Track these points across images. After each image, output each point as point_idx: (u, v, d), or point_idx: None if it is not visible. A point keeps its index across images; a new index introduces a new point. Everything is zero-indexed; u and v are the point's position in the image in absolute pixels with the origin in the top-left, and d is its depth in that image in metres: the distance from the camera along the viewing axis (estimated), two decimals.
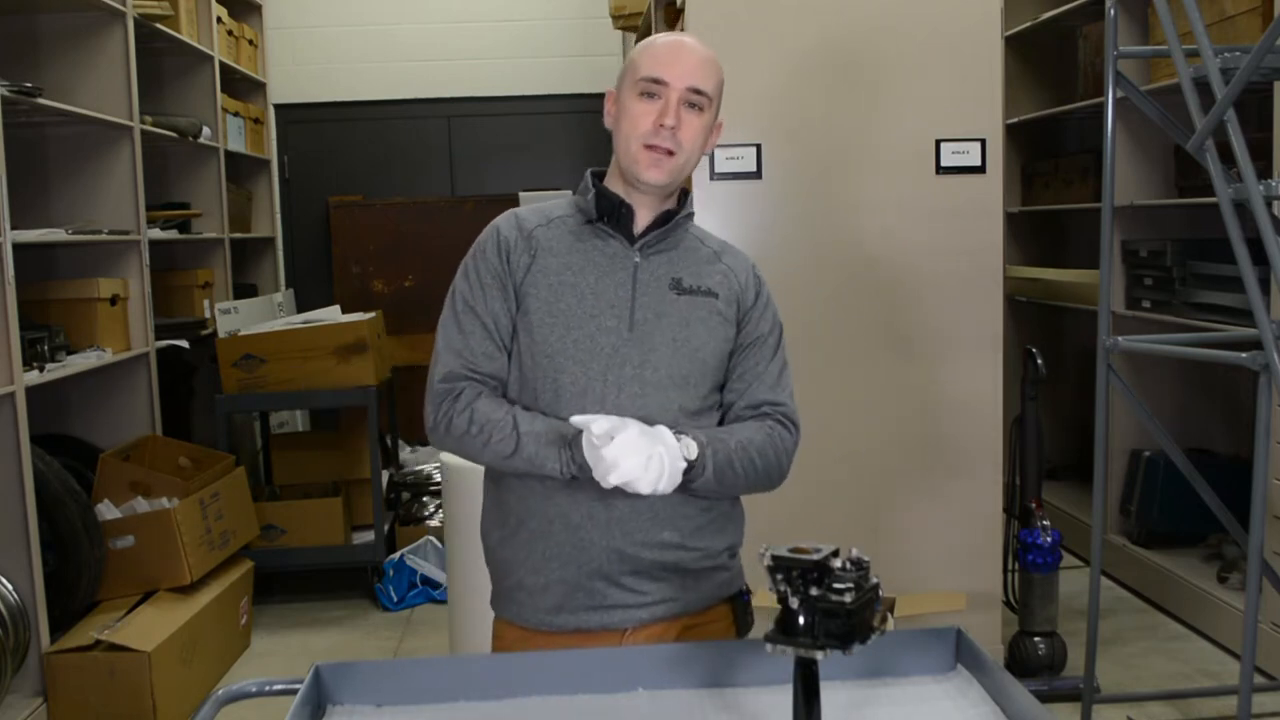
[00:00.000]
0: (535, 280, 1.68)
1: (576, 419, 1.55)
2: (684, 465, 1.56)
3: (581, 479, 1.60)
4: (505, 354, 1.70)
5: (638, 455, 1.50)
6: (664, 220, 1.73)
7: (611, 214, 1.71)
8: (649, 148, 1.66)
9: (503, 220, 1.75)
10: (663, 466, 1.52)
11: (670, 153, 1.66)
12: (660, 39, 1.72)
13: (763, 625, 1.19)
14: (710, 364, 1.71)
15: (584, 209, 1.73)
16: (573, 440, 1.59)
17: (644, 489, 1.52)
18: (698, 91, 1.67)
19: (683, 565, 1.70)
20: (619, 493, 1.59)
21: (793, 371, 1.86)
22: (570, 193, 1.80)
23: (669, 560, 1.68)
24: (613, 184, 1.74)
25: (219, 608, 3.77)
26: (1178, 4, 2.59)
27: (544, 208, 1.78)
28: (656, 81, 1.66)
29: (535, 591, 1.69)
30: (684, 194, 1.78)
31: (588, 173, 1.77)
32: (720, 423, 1.75)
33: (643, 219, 1.73)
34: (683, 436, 1.59)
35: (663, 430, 1.57)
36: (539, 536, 1.68)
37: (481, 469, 1.77)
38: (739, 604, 1.80)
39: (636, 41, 5.60)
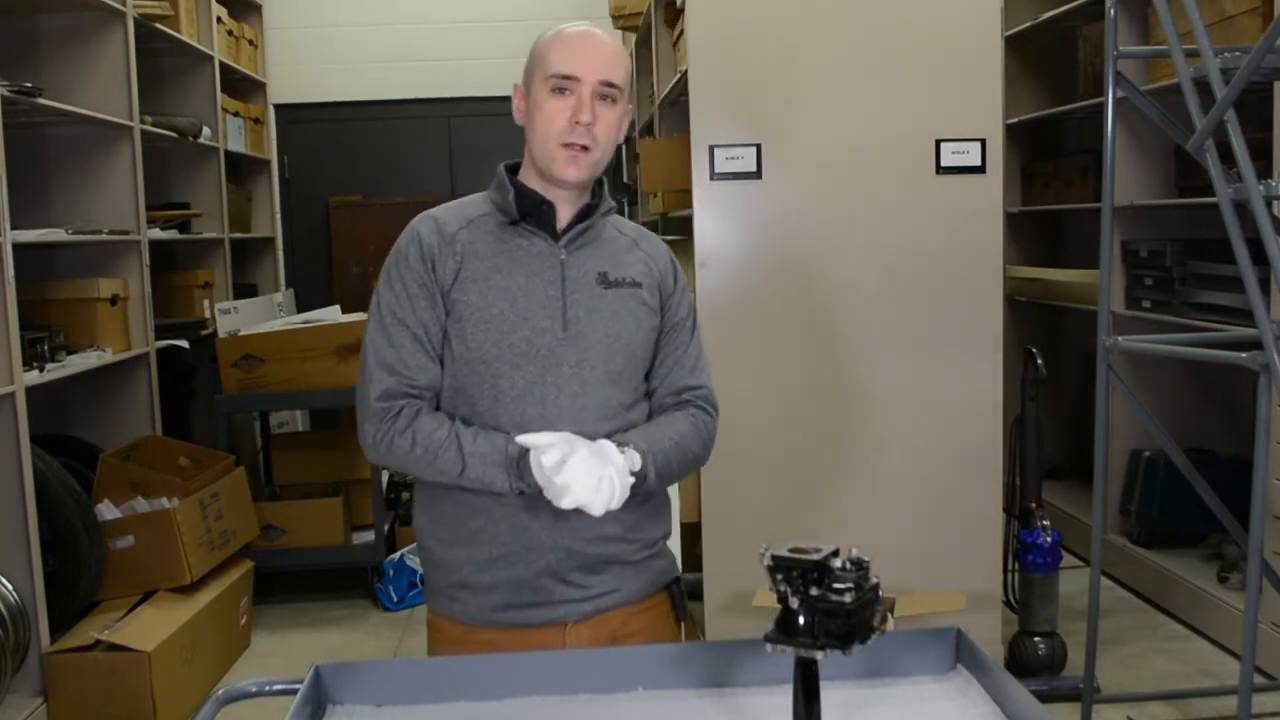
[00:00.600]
0: (464, 286, 1.66)
1: (523, 439, 1.55)
2: (631, 480, 1.57)
3: (530, 494, 1.60)
4: (438, 363, 1.68)
5: (589, 478, 1.52)
6: (585, 214, 1.72)
7: (533, 212, 1.70)
8: (566, 145, 1.64)
9: (421, 225, 1.71)
10: (613, 488, 1.54)
11: (586, 148, 1.65)
12: (567, 31, 1.70)
13: (763, 625, 1.19)
14: (640, 355, 1.73)
15: (504, 209, 1.71)
16: (519, 459, 1.58)
17: (597, 511, 1.54)
18: (610, 84, 1.65)
19: (624, 557, 1.72)
20: None
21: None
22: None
23: (611, 553, 1.70)
24: (529, 179, 1.72)
25: (219, 608, 3.77)
26: (1178, 4, 2.59)
27: (461, 207, 1.75)
28: (568, 77, 1.64)
29: (480, 590, 1.69)
30: (599, 184, 1.76)
31: (501, 168, 1.75)
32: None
33: (564, 215, 1.71)
34: (626, 449, 1.59)
35: (607, 447, 1.57)
36: (484, 538, 1.67)
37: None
38: (675, 590, 1.82)
39: (635, 43, 5.60)
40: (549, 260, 1.69)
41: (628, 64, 1.71)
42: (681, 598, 1.83)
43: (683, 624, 1.84)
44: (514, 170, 1.76)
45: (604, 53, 1.67)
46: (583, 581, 1.69)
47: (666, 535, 1.81)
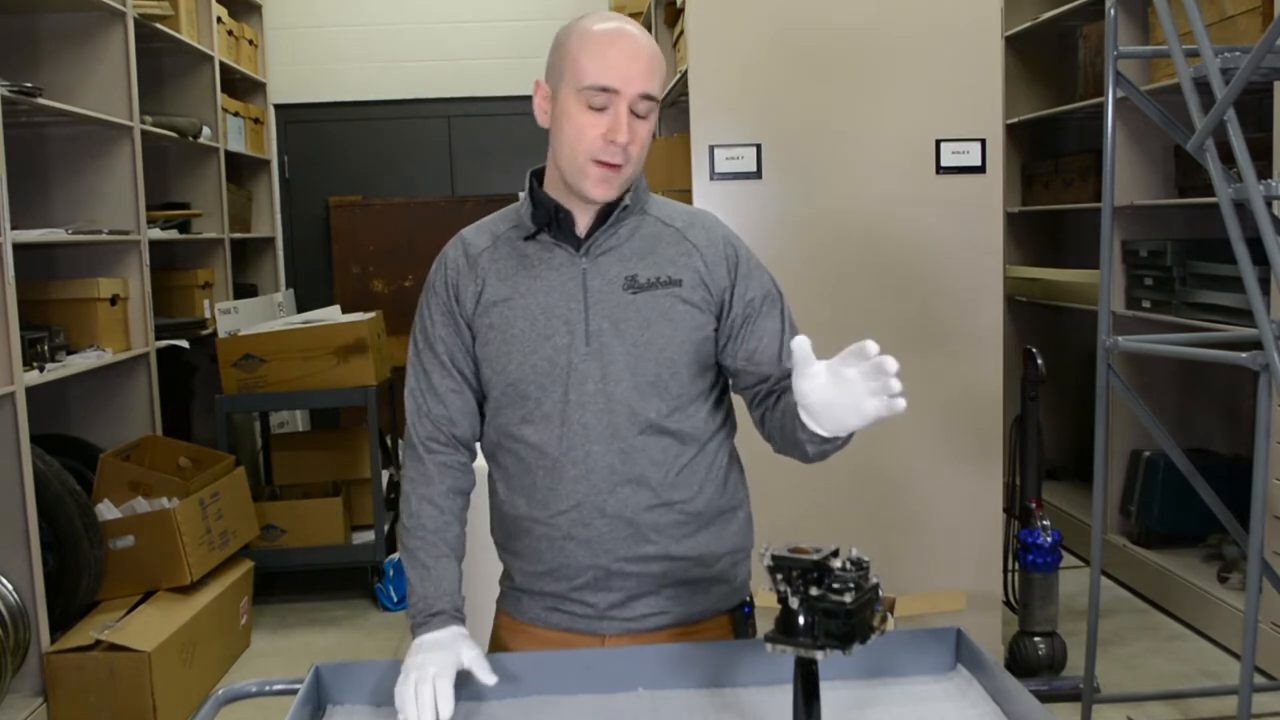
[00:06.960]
0: (487, 310, 1.63)
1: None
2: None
3: (570, 516, 1.60)
4: (468, 386, 1.66)
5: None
6: (607, 215, 1.61)
7: (550, 222, 1.61)
8: (598, 163, 1.54)
9: (451, 249, 1.69)
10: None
11: (619, 166, 1.55)
12: (604, 34, 1.54)
13: (763, 625, 1.19)
14: (681, 360, 1.61)
15: (523, 222, 1.64)
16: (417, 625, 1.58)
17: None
18: (648, 96, 1.53)
19: (672, 576, 1.63)
20: (596, 512, 1.59)
21: None
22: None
23: (655, 572, 1.62)
24: (552, 186, 1.63)
25: (219, 608, 3.77)
26: (1178, 4, 2.59)
27: (494, 222, 1.70)
28: (605, 90, 1.51)
29: (531, 594, 1.70)
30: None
31: (529, 174, 1.67)
32: (757, 401, 1.67)
33: (585, 219, 1.62)
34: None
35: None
36: (528, 553, 1.67)
37: (484, 471, 1.76)
38: (739, 616, 1.71)
39: None
40: (570, 271, 1.60)
41: (664, 65, 1.58)
42: (748, 626, 1.71)
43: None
44: (540, 174, 1.67)
45: (642, 60, 1.53)
46: (625, 601, 1.64)
47: (737, 550, 1.69)
